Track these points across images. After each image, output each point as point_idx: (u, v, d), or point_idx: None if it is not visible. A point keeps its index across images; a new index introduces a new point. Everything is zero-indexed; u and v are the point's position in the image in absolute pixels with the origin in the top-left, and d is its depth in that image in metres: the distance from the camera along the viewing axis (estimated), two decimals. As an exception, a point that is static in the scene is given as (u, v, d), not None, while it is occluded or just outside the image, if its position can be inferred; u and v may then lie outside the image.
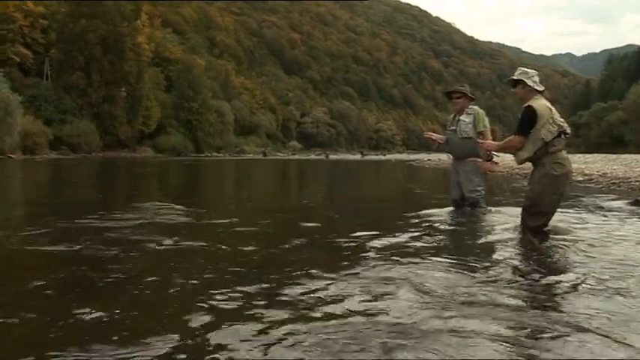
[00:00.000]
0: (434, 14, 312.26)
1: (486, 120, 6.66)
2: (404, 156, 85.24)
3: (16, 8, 67.14)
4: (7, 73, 55.79)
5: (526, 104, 5.08)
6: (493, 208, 6.72)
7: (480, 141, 6.10)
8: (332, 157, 78.45)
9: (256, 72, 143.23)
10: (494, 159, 6.38)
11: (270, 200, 11.35)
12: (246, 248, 4.46)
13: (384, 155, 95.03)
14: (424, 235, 5.16)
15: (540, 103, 5.03)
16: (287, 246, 4.62)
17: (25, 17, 68.19)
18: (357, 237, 4.97)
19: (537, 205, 5.09)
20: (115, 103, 70.31)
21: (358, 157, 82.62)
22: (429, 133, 7.41)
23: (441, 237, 5.16)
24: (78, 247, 4.38)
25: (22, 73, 65.85)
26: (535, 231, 5.06)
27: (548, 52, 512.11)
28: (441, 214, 6.62)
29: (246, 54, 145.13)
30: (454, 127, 6.78)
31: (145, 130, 77.55)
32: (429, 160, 42.42)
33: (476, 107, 6.73)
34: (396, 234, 5.14)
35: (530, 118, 4.98)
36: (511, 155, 5.44)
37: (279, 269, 3.59)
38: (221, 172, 25.97)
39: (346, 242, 4.75)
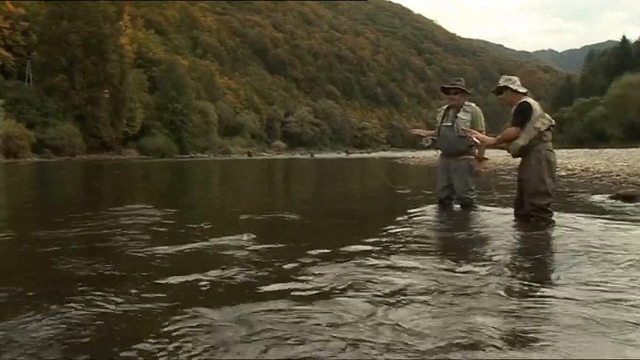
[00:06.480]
0: (416, 11, 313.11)
1: (483, 119, 6.45)
2: (389, 154, 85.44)
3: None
4: (-12, 76, 55.22)
5: (521, 100, 5.55)
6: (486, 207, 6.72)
7: (479, 136, 6.00)
8: (317, 156, 78.52)
9: (240, 72, 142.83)
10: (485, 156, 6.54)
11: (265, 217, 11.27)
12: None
13: (369, 153, 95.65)
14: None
15: (532, 100, 5.56)
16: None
17: (5, 19, 67.43)
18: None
19: (540, 186, 5.45)
20: (98, 105, 69.53)
21: (343, 155, 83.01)
22: (417, 130, 7.11)
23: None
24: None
25: (3, 76, 65.18)
26: (545, 210, 5.44)
27: (531, 49, 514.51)
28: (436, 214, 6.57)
29: (229, 54, 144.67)
30: (450, 123, 6.53)
31: (129, 132, 76.95)
32: (413, 157, 42.57)
33: (474, 105, 6.52)
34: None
35: (526, 111, 5.44)
36: (498, 152, 5.67)
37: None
38: (208, 175, 25.93)
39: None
